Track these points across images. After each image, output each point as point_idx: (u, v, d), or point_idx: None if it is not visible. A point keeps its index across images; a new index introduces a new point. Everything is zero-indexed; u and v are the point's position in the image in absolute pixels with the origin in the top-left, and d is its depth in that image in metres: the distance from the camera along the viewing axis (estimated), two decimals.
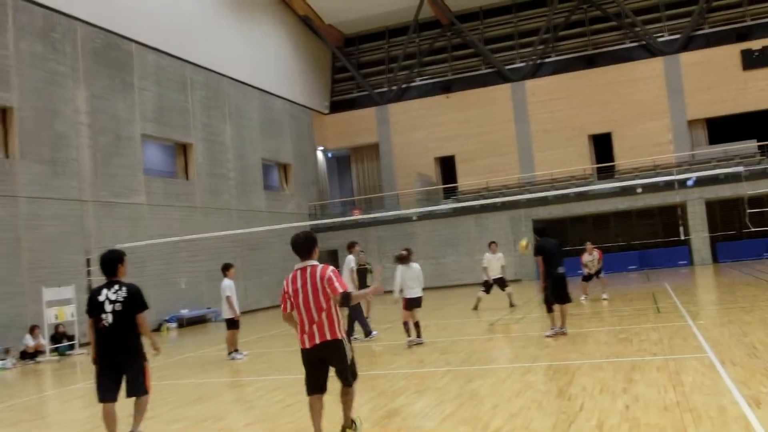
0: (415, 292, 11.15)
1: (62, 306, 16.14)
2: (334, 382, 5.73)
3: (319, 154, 33.62)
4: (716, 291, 16.82)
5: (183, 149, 23.81)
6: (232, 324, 12.25)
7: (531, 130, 30.48)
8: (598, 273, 16.21)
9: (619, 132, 29.33)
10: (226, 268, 12.43)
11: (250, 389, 9.13)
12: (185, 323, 21.51)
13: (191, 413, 7.80)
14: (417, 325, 11.41)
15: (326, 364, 5.66)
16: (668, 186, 24.79)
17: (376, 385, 8.42)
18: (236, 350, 12.27)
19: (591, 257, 16.32)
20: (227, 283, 12.22)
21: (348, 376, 5.70)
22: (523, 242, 14.18)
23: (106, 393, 6.12)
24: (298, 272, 5.68)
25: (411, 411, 6.84)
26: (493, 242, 16.82)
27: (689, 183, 25.05)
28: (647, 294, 16.64)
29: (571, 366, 8.34)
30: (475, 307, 16.40)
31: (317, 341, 5.54)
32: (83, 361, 14.86)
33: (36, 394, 11.12)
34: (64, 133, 18.42)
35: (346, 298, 5.55)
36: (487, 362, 9.30)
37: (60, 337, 16.38)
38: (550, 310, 10.95)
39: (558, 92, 30.19)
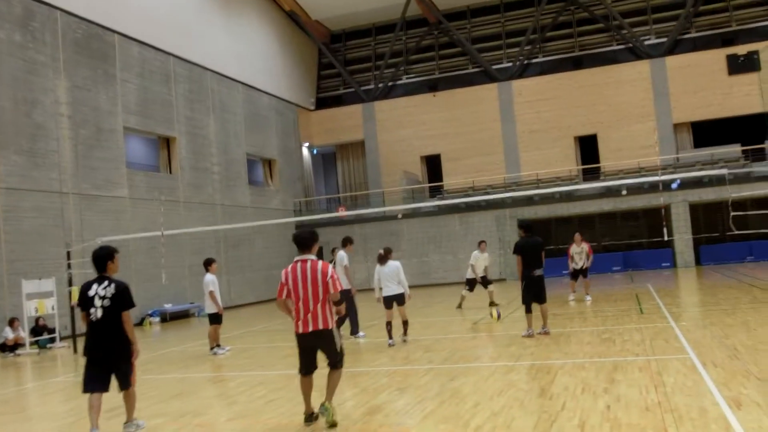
0: (390, 290, 11.14)
1: (42, 299, 15.90)
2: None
3: (305, 151, 33.48)
4: (699, 293, 16.97)
5: (166, 143, 23.58)
6: (215, 319, 12.17)
7: (517, 130, 30.56)
8: (584, 272, 15.92)
9: (604, 134, 29.50)
10: (208, 263, 12.32)
11: (232, 384, 9.04)
12: (168, 318, 21.34)
13: (171, 408, 7.71)
14: (405, 323, 11.39)
15: (316, 349, 6.31)
16: (653, 188, 24.96)
17: (358, 382, 8.39)
18: (218, 345, 12.20)
19: (579, 249, 15.93)
20: (210, 278, 12.11)
21: (337, 360, 6.33)
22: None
23: (92, 385, 6.29)
24: (298, 264, 6.22)
25: (393, 408, 6.81)
26: (483, 241, 16.82)
27: (673, 186, 25.27)
28: (630, 295, 16.74)
29: (554, 365, 8.35)
30: (459, 306, 16.43)
31: (310, 329, 6.14)
32: (64, 354, 14.67)
33: (15, 387, 10.95)
34: (44, 124, 18.14)
35: (342, 299, 6.38)
36: (469, 360, 9.29)
37: (40, 330, 16.16)
38: (528, 310, 10.89)
39: (545, 93, 30.29)
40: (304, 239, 6.27)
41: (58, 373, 12.16)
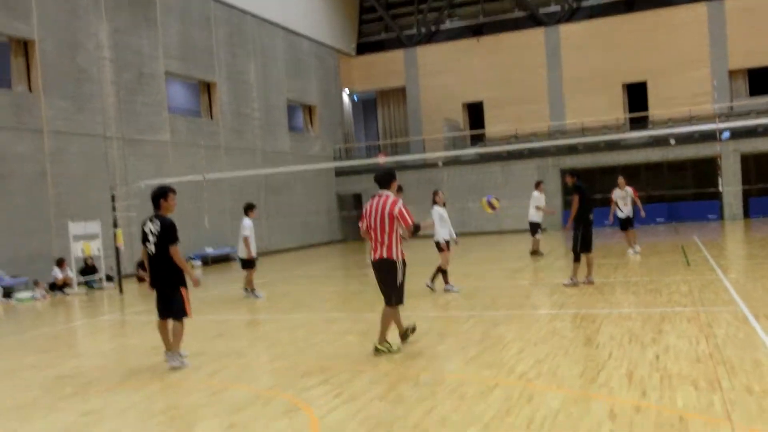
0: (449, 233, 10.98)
1: (88, 240, 16.31)
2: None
3: (345, 97, 33.11)
4: (748, 246, 16.39)
5: (207, 88, 23.54)
6: (247, 264, 12.17)
7: (563, 76, 29.54)
8: (631, 222, 14.99)
9: (654, 81, 28.31)
10: (249, 208, 12.30)
11: (273, 327, 9.13)
12: (210, 261, 21.73)
13: (213, 348, 7.82)
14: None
15: (377, 281, 6.81)
16: (703, 138, 24.00)
17: None
18: (252, 290, 12.23)
19: (623, 193, 14.89)
20: (247, 223, 12.10)
21: (391, 295, 6.73)
22: (494, 203, 12.31)
23: (159, 312, 6.99)
24: (375, 198, 6.81)
25: (434, 353, 6.77)
26: (541, 181, 16.03)
27: (724, 137, 24.23)
28: (676, 246, 16.29)
29: (599, 315, 8.17)
30: (536, 252, 15.69)
31: (377, 257, 6.71)
32: (111, 294, 15.09)
33: (64, 324, 11.31)
34: (87, 68, 18.23)
35: (417, 229, 6.73)
36: (511, 308, 9.17)
37: (90, 270, 16.60)
38: (577, 258, 10.54)
39: (593, 38, 29.08)
40: (382, 178, 6.90)
41: (104, 312, 12.52)
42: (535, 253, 15.77)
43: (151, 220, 6.98)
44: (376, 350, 6.73)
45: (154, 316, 7.08)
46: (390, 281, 6.69)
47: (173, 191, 7.15)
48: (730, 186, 25.12)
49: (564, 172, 26.63)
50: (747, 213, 25.47)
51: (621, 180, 15.14)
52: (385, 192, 6.82)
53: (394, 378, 5.88)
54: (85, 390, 6.22)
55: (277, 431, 4.67)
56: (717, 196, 25.47)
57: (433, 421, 4.64)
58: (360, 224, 6.95)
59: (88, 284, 16.40)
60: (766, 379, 5.06)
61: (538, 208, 15.58)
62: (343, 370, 6.28)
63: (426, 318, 8.65)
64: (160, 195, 7.01)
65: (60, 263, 15.96)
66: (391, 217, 6.60)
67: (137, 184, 16.67)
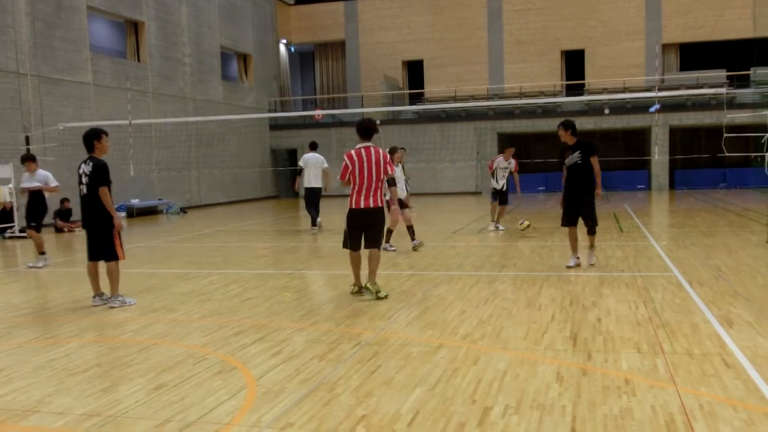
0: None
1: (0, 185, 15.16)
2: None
3: (282, 48, 32.00)
4: (676, 215, 16.96)
5: (134, 27, 22.13)
6: None
7: (504, 39, 29.52)
8: (505, 197, 13.28)
9: (592, 50, 28.71)
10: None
11: (204, 282, 8.69)
12: (135, 213, 20.75)
13: (142, 303, 7.36)
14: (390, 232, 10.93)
15: (367, 227, 7.13)
16: (635, 109, 24.57)
17: (338, 284, 8.12)
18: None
19: (506, 164, 13.22)
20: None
21: (380, 240, 7.29)
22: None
23: (88, 253, 7.18)
24: (363, 150, 7.06)
25: (376, 312, 6.55)
26: (511, 147, 13.84)
27: (653, 109, 24.87)
28: (609, 214, 16.64)
29: (539, 277, 8.16)
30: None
31: (371, 205, 7.06)
32: (25, 245, 14.11)
33: None
34: None
35: (392, 180, 7.25)
36: (451, 269, 9.06)
37: (7, 216, 15.41)
38: (593, 232, 8.77)
39: (535, 2, 29.09)
40: (369, 128, 7.16)
41: (17, 263, 11.66)
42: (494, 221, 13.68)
43: (85, 162, 7.05)
44: (365, 288, 7.17)
45: (75, 268, 6.55)
46: (381, 227, 7.26)
47: (106, 133, 7.20)
48: (659, 157, 25.93)
49: (503, 136, 26.79)
50: (672, 185, 26.45)
51: (509, 150, 13.46)
52: (371, 143, 7.11)
53: (334, 337, 5.64)
54: None
55: (211, 391, 4.34)
56: (645, 166, 26.29)
57: (377, 381, 4.42)
58: (343, 175, 7.06)
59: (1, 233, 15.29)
60: (704, 344, 5.11)
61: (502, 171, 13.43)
62: (279, 328, 5.98)
63: (364, 276, 8.40)
64: (93, 137, 7.07)
65: None
66: (386, 167, 7.05)
67: (55, 127, 15.53)
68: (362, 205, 7.03)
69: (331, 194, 15.58)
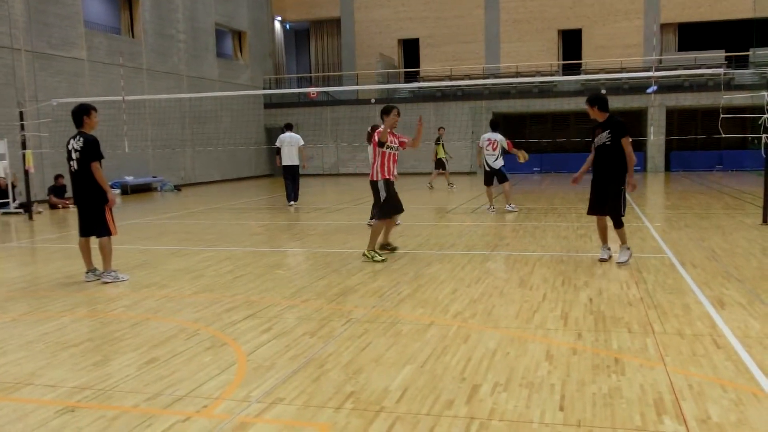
0: None
1: None
2: None
3: (277, 25, 31.69)
4: (671, 197, 16.95)
5: (128, 3, 21.84)
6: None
7: (501, 18, 29.27)
8: (505, 176, 12.84)
9: (589, 29, 28.50)
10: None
11: (197, 258, 8.67)
12: (129, 191, 20.67)
13: (135, 278, 7.35)
14: None
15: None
16: (632, 90, 24.47)
17: (330, 262, 8.10)
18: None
19: (486, 144, 12.79)
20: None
21: (375, 212, 8.27)
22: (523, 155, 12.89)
23: (80, 229, 7.21)
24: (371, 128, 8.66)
25: (367, 290, 6.55)
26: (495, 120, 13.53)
27: (650, 90, 24.79)
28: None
29: (531, 257, 8.17)
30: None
31: (369, 179, 8.21)
32: (19, 221, 14.05)
33: None
34: None
35: (381, 143, 8.06)
36: (444, 248, 9.06)
37: (2, 194, 15.31)
38: (620, 224, 7.74)
39: None
40: (383, 110, 8.06)
41: (11, 239, 11.62)
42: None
43: (74, 138, 7.04)
44: (363, 255, 7.99)
45: (68, 244, 6.54)
46: (376, 198, 8.12)
47: (95, 109, 7.21)
48: (655, 138, 25.90)
49: (498, 116, 26.66)
50: (668, 166, 26.43)
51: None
52: (379, 124, 8.15)
53: (325, 314, 5.64)
54: None
55: (202, 366, 4.35)
56: (641, 147, 26.24)
57: (367, 358, 4.43)
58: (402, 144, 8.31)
59: None
60: (695, 324, 5.13)
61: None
62: (271, 305, 5.99)
63: (358, 254, 8.41)
64: (83, 112, 7.06)
65: None
66: (374, 143, 8.03)
67: (49, 102, 15.38)
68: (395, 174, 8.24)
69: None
